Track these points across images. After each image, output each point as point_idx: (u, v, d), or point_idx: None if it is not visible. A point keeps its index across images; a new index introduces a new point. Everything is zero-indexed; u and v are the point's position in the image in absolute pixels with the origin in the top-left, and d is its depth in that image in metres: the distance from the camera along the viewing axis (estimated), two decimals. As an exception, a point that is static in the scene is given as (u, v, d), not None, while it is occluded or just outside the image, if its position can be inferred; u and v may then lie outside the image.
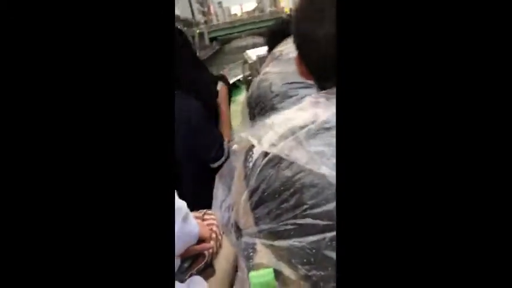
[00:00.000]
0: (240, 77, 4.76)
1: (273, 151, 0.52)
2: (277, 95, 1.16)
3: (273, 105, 1.17)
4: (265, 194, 0.51)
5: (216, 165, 1.18)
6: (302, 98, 1.12)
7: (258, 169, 0.52)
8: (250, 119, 1.37)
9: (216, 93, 1.24)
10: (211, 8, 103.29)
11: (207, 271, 0.87)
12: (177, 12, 51.29)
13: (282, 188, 0.49)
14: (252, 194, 0.53)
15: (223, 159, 1.18)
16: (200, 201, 0.86)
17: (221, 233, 0.91)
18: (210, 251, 0.88)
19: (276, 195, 0.49)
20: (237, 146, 0.63)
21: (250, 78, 3.98)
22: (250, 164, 0.54)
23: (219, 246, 0.92)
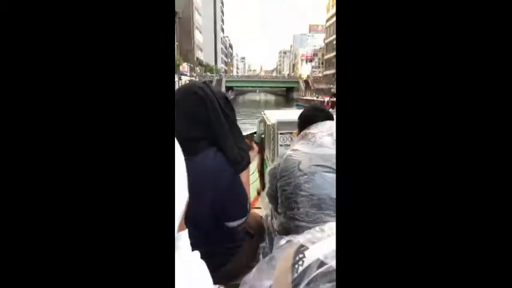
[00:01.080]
0: (253, 131, 4.90)
1: (332, 264, 0.47)
2: (304, 174, 1.23)
3: (299, 183, 1.24)
4: None
5: (234, 224, 1.14)
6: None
7: (311, 277, 0.48)
8: (270, 187, 1.43)
9: (246, 157, 1.26)
10: (234, 60, 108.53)
11: None
12: (201, 57, 53.89)
13: None
14: None
15: (244, 219, 1.15)
16: (210, 259, 0.84)
17: None
18: None
19: None
20: (285, 242, 0.61)
21: (263, 136, 4.13)
22: (300, 268, 0.50)
23: None
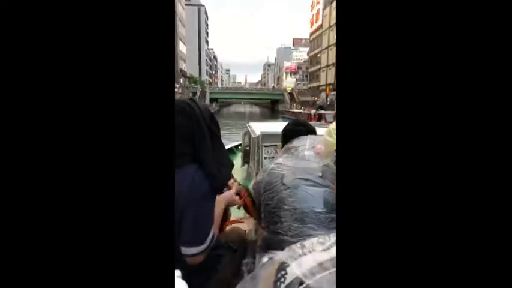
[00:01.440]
0: (237, 143, 4.89)
1: (310, 282, 0.49)
2: (288, 188, 1.23)
3: (282, 197, 1.23)
4: None
5: (187, 251, 1.02)
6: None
7: None
8: (255, 201, 1.42)
9: (225, 173, 1.23)
10: (219, 72, 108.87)
11: None
12: (185, 68, 53.87)
13: None
14: None
15: (199, 249, 1.03)
16: (190, 277, 0.80)
17: None
18: None
19: None
20: (267, 260, 0.60)
21: (248, 149, 4.11)
22: (282, 286, 0.52)
23: None
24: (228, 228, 1.33)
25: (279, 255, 0.58)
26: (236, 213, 1.58)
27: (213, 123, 1.13)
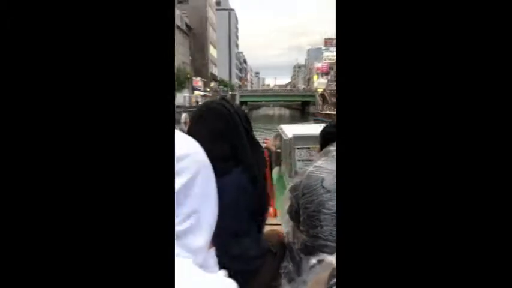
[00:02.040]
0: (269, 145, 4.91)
1: None
2: (328, 192, 1.21)
3: (322, 201, 1.21)
4: None
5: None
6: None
7: None
8: (291, 204, 1.41)
9: (265, 165, 1.24)
10: (248, 75, 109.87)
11: None
12: (216, 72, 54.80)
13: None
14: None
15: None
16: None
17: None
18: None
19: None
20: (315, 263, 0.60)
21: (279, 151, 4.09)
22: None
23: None
24: (267, 231, 1.33)
25: (329, 258, 0.57)
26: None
27: (245, 120, 1.14)
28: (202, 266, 0.48)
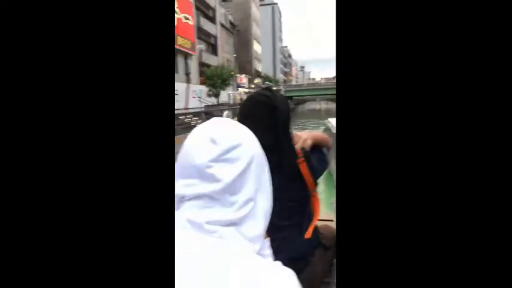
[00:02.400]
0: None
1: None
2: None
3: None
4: None
5: None
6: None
7: None
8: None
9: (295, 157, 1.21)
10: (293, 70, 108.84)
11: None
12: (260, 68, 54.88)
13: None
14: None
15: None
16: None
17: None
18: None
19: None
20: None
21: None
22: None
23: None
24: (320, 225, 1.32)
25: None
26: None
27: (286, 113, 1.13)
28: (259, 254, 0.49)
